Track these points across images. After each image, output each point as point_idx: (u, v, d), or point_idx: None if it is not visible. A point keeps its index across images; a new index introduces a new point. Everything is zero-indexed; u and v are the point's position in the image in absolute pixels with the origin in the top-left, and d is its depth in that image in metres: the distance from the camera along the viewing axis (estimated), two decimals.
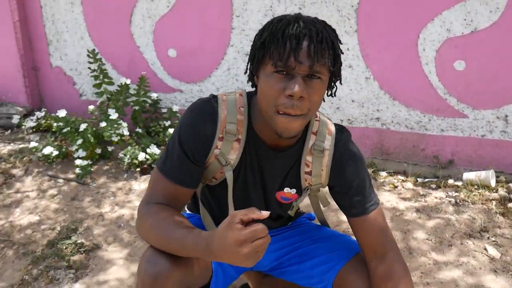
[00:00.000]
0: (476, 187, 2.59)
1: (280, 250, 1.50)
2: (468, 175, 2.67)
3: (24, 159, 3.02)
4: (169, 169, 1.18)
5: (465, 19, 2.57)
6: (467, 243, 2.15)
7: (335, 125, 1.29)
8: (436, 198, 2.54)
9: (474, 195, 2.54)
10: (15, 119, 3.43)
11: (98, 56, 3.27)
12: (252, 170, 1.27)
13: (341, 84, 1.18)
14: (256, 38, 1.11)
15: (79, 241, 2.21)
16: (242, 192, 1.31)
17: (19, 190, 2.71)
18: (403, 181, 2.75)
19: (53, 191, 2.68)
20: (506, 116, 2.65)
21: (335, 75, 1.13)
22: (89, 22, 3.46)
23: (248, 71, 1.16)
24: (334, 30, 1.11)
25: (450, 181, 2.69)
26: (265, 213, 0.97)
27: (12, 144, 3.26)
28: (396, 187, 2.67)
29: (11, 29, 3.54)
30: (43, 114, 3.40)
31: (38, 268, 2.06)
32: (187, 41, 3.22)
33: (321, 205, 1.45)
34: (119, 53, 3.45)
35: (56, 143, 3.05)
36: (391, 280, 1.21)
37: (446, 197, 2.55)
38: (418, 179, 2.76)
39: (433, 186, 2.67)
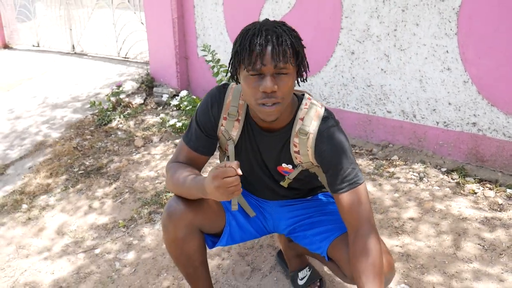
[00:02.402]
0: None
1: (296, 217, 1.79)
2: None
3: (162, 129, 3.77)
4: (189, 139, 1.58)
5: None
6: None
7: (325, 113, 1.51)
8: None
9: None
10: (164, 98, 4.24)
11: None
12: (251, 146, 1.58)
13: (309, 71, 1.40)
14: (233, 47, 1.39)
15: None
16: (247, 165, 1.64)
17: (151, 152, 3.44)
18: (489, 189, 2.66)
19: None
20: None
21: (302, 67, 1.38)
22: (228, 20, 4.06)
23: (230, 73, 1.44)
24: (293, 31, 1.37)
25: None
26: (239, 171, 1.25)
27: (158, 117, 4.06)
28: (475, 193, 2.61)
29: (170, 24, 4.35)
30: (183, 95, 4.12)
31: (144, 210, 2.68)
32: (302, 39, 3.54)
33: None
34: None
35: (184, 117, 3.71)
36: (357, 256, 1.37)
37: None
38: (508, 189, 2.63)
39: None
